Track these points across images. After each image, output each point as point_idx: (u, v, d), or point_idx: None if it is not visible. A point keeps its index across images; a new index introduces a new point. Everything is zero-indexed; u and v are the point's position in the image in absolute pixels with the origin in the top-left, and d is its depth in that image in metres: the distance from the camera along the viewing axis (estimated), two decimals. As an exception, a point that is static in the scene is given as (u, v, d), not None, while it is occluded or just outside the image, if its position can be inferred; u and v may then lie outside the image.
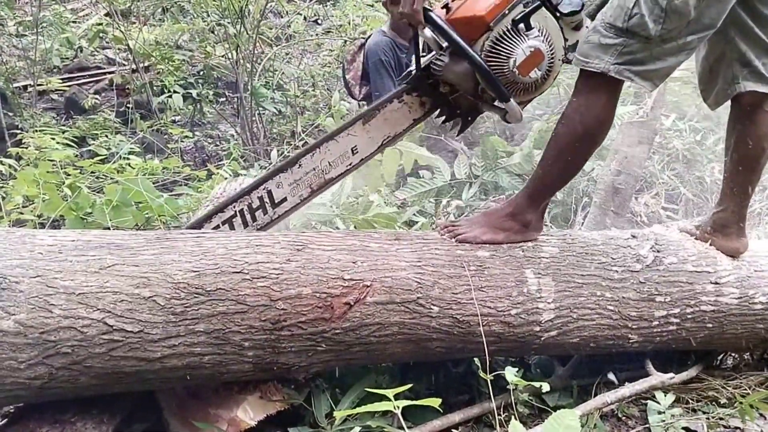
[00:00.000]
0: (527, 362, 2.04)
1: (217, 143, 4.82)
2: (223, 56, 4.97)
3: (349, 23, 5.85)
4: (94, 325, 1.30)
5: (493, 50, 1.68)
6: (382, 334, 1.51)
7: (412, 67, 1.85)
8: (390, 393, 1.17)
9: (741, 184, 1.85)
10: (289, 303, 1.43)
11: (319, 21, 6.55)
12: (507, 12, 1.67)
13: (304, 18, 6.25)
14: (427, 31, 1.72)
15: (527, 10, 1.67)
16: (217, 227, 1.76)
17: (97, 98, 5.07)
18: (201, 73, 5.12)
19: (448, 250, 1.66)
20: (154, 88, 4.82)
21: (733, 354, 2.10)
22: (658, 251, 1.81)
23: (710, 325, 1.81)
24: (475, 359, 1.62)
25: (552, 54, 1.72)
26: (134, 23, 5.68)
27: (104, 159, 3.36)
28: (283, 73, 5.17)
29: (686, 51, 1.56)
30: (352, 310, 1.47)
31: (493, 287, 1.62)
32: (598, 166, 2.83)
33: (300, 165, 1.80)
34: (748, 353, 2.07)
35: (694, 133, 3.22)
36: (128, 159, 3.18)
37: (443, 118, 1.94)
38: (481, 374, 1.53)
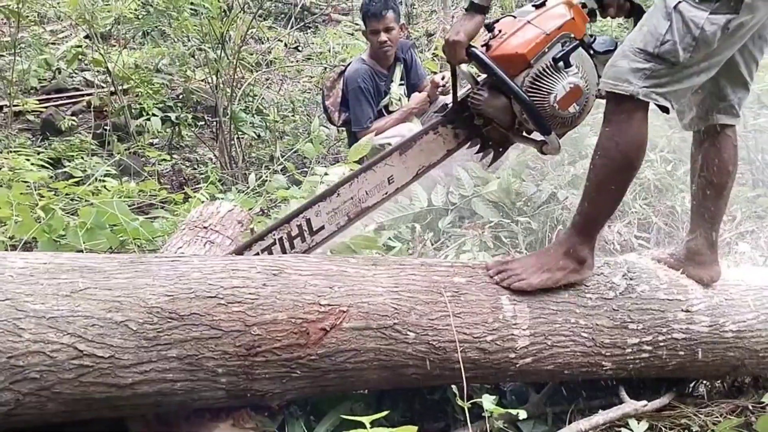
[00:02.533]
0: (502, 389, 2.04)
1: (195, 167, 4.80)
2: (202, 80, 4.98)
3: (329, 51, 5.92)
4: (64, 350, 1.28)
5: (534, 86, 1.77)
6: (358, 361, 1.51)
7: (448, 100, 1.93)
8: (366, 420, 1.16)
9: (710, 210, 1.89)
10: (264, 328, 1.42)
11: (300, 48, 6.61)
12: (546, 50, 1.76)
13: (285, 45, 6.30)
14: (464, 67, 1.84)
15: (566, 49, 1.76)
16: (255, 255, 1.79)
17: (74, 120, 5.02)
18: (180, 96, 5.12)
19: (424, 275, 1.67)
20: (133, 110, 4.80)
21: (705, 382, 2.12)
22: (631, 279, 1.84)
23: (682, 353, 1.83)
24: (452, 386, 1.62)
25: (588, 90, 1.81)
26: (114, 46, 5.68)
27: (80, 181, 3.32)
28: (262, 98, 5.19)
29: (703, 74, 1.63)
30: (328, 336, 1.47)
31: (469, 313, 1.63)
32: (572, 195, 2.88)
33: (338, 194, 1.86)
34: (719, 381, 2.09)
35: (665, 164, 3.29)
36: (104, 181, 3.15)
37: (477, 148, 2.01)
38: (458, 401, 1.52)
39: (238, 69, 4.66)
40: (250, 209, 2.51)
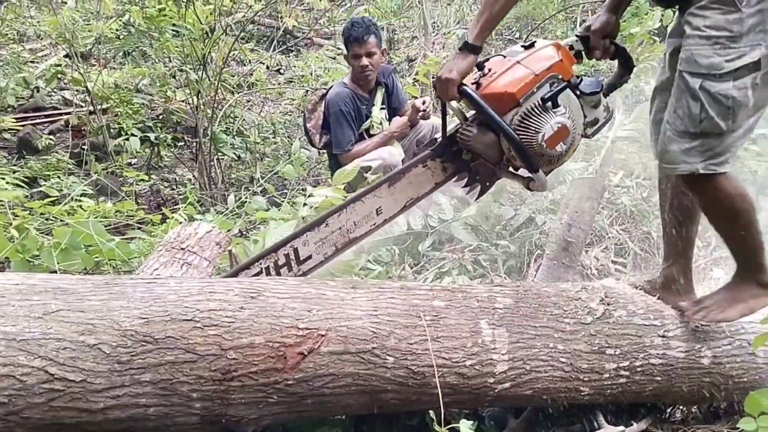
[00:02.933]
0: (481, 414, 2.03)
1: (174, 187, 4.76)
2: (183, 101, 4.96)
3: (311, 74, 5.94)
4: (35, 374, 1.25)
5: (522, 124, 1.81)
6: (336, 386, 1.49)
7: (438, 135, 2.00)
8: (342, 446, 1.15)
9: (683, 238, 1.93)
10: (241, 352, 1.40)
11: (282, 71, 6.64)
12: (535, 90, 1.81)
13: (267, 67, 6.32)
14: (454, 103, 1.89)
15: (555, 89, 1.81)
16: None
17: (51, 139, 4.96)
18: (160, 117, 5.09)
19: (404, 299, 1.67)
20: (111, 130, 4.76)
21: (681, 407, 2.13)
22: (608, 304, 1.85)
23: (659, 378, 1.84)
24: (430, 411, 1.60)
25: (574, 130, 1.86)
26: (94, 65, 5.65)
27: (55, 201, 3.27)
28: (243, 119, 5.19)
29: (751, 129, 1.70)
30: (306, 360, 1.45)
31: (448, 338, 1.62)
32: (549, 220, 2.91)
33: (327, 224, 1.89)
34: (696, 406, 2.10)
35: (641, 190, 3.34)
36: (80, 201, 3.11)
37: (464, 182, 2.06)
38: (436, 428, 1.51)
39: (219, 90, 4.65)
40: (229, 231, 2.49)
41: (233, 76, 5.67)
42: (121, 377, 1.32)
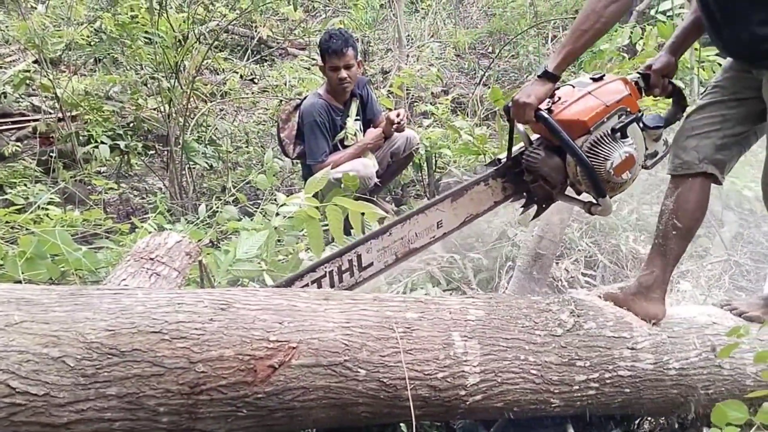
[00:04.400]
0: (452, 426, 2.03)
1: (144, 196, 4.69)
2: (154, 109, 4.90)
3: (285, 84, 5.93)
4: (-6, 388, 1.21)
5: (591, 152, 1.91)
6: (307, 399, 1.48)
7: (502, 156, 2.10)
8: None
9: (671, 251, 2.01)
10: (210, 365, 1.38)
11: (256, 80, 6.61)
12: (605, 120, 1.91)
13: (241, 76, 6.29)
14: (521, 127, 1.99)
15: (625, 121, 1.91)
16: (305, 286, 1.88)
17: (18, 146, 4.85)
18: (131, 124, 5.02)
19: (377, 311, 1.66)
20: (81, 138, 4.67)
21: (649, 418, 2.16)
22: (578, 316, 1.87)
23: (627, 390, 1.86)
24: (401, 424, 1.59)
25: (638, 160, 1.97)
26: (64, 72, 5.55)
27: (21, 209, 3.19)
28: (216, 128, 5.14)
29: None
30: (277, 374, 1.43)
31: (420, 350, 1.62)
32: (521, 232, 2.93)
33: (390, 233, 1.95)
34: (663, 418, 2.13)
35: (610, 203, 3.40)
36: (47, 209, 3.04)
37: (522, 203, 2.16)
38: (407, 440, 1.51)
39: (191, 99, 4.61)
40: (200, 241, 2.46)
41: (206, 85, 5.62)
42: (85, 391, 1.28)
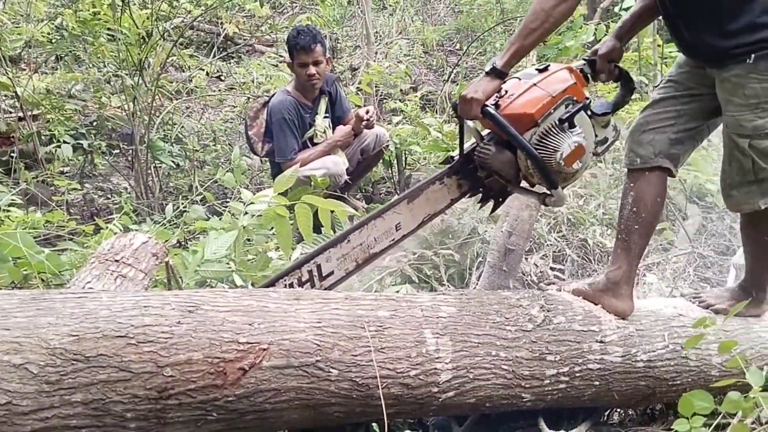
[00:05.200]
0: (425, 423, 2.03)
1: (108, 196, 4.59)
2: (119, 107, 4.80)
3: (253, 81, 5.86)
4: (-48, 398, 1.17)
5: (540, 143, 1.90)
6: (279, 401, 1.46)
7: (455, 153, 2.09)
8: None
9: (636, 244, 2.04)
10: (178, 369, 1.35)
11: (222, 77, 6.52)
12: (552, 111, 1.90)
13: (207, 74, 6.20)
14: (470, 123, 1.98)
15: (571, 111, 1.91)
16: None
17: (-25, 146, 4.71)
18: (94, 123, 4.90)
19: (348, 309, 1.65)
20: (42, 137, 4.55)
21: (619, 410, 2.19)
22: (548, 311, 1.89)
23: (597, 383, 1.88)
24: (374, 424, 1.59)
25: (588, 148, 1.97)
26: (24, 70, 5.40)
27: (-21, 211, 3.09)
28: (182, 126, 5.06)
29: None
30: (247, 376, 1.41)
31: (392, 348, 1.61)
32: (491, 228, 2.95)
33: (348, 240, 1.94)
34: (632, 409, 2.17)
35: (577, 199, 3.45)
36: (8, 211, 2.96)
37: (479, 198, 2.16)
38: (380, 439, 1.50)
39: (156, 97, 4.52)
40: (167, 241, 2.42)
41: (171, 83, 5.53)
42: (49, 398, 1.25)
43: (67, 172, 4.81)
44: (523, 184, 2.05)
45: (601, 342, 1.89)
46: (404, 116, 4.86)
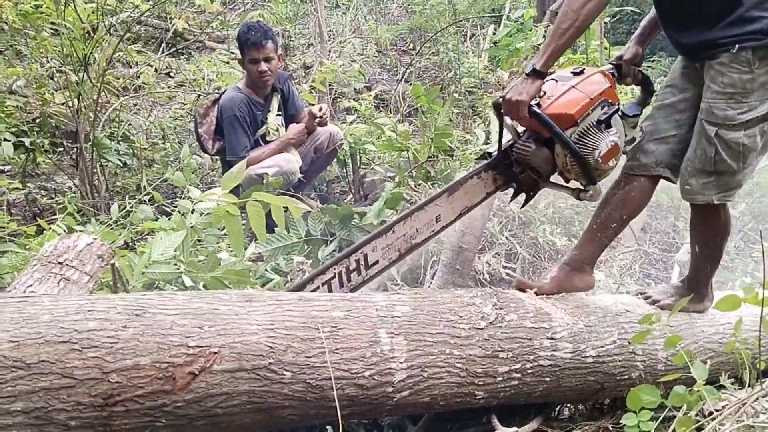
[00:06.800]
0: (380, 423, 2.03)
1: (52, 196, 4.42)
2: (62, 104, 4.63)
3: (203, 78, 5.75)
4: None
5: (579, 142, 2.01)
6: (230, 405, 1.43)
7: (492, 149, 2.21)
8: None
9: (609, 237, 2.19)
10: (125, 375, 1.31)
11: (172, 74, 6.37)
12: (590, 112, 2.01)
13: (156, 70, 6.04)
14: (508, 120, 2.07)
15: (609, 112, 2.02)
16: (316, 289, 1.93)
17: None
18: (36, 120, 4.72)
19: (302, 311, 1.63)
20: (-20, 135, 4.35)
21: (569, 405, 2.24)
22: (500, 308, 1.91)
23: (548, 379, 1.91)
24: (328, 427, 1.58)
25: (621, 147, 2.10)
26: (-41, 64, 5.16)
27: None
28: (129, 124, 4.92)
29: (755, 167, 2.04)
30: (197, 380, 1.38)
31: (347, 349, 1.60)
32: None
33: (393, 231, 2.03)
34: (582, 404, 2.22)
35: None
36: (-58, 213, 2.82)
37: (511, 192, 2.29)
38: (334, 441, 1.49)
39: (102, 93, 4.39)
40: (113, 242, 2.34)
41: (118, 79, 5.37)
42: (-14, 408, 1.19)
43: (7, 171, 4.62)
44: (554, 179, 2.16)
45: (552, 338, 1.93)
46: (358, 115, 4.85)
